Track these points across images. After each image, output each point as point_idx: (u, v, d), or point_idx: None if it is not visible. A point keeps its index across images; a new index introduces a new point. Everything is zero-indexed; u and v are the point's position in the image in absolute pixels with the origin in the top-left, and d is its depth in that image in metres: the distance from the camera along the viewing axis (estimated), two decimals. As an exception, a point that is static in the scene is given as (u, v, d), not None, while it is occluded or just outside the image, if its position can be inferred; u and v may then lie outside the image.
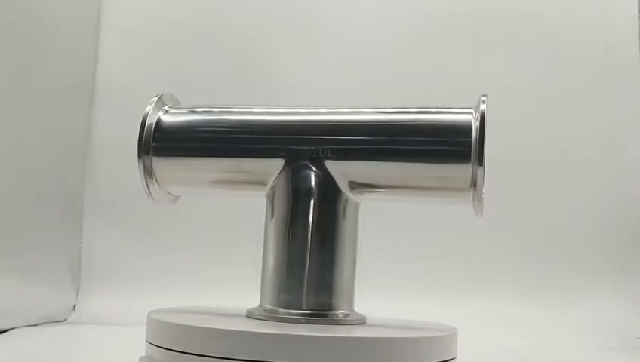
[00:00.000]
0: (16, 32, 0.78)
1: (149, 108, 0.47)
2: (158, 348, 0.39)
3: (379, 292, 0.71)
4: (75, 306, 0.90)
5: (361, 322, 0.43)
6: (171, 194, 0.50)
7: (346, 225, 0.43)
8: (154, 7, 1.00)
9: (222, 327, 0.37)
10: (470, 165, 0.41)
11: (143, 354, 0.41)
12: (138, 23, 1.00)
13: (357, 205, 0.45)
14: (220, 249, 0.92)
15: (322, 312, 0.42)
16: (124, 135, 0.98)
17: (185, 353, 0.37)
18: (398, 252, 0.91)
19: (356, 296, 0.45)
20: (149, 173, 0.47)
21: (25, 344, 0.69)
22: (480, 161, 0.41)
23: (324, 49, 0.98)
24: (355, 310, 0.44)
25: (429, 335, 0.40)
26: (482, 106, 0.43)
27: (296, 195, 0.43)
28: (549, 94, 0.96)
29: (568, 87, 0.96)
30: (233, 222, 0.92)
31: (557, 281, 0.91)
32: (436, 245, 0.93)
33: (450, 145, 0.42)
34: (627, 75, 0.95)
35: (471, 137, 0.42)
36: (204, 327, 0.37)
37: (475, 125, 0.42)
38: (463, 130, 0.42)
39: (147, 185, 0.48)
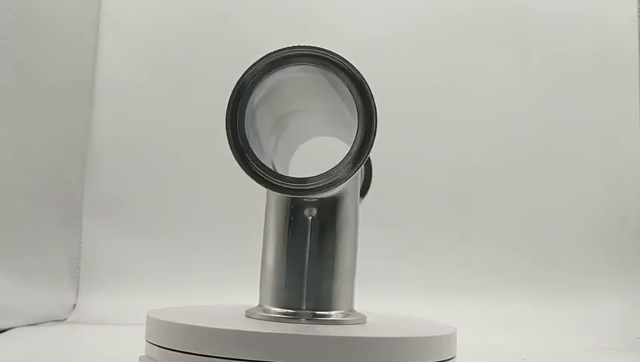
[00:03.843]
0: (16, 31, 0.78)
1: None
2: (158, 348, 0.39)
3: (379, 291, 0.71)
4: (74, 305, 0.90)
5: (361, 322, 0.43)
6: None
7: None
8: (154, 6, 1.00)
9: (221, 327, 0.37)
10: None
11: (143, 354, 0.41)
12: (138, 22, 1.00)
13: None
14: (220, 248, 0.92)
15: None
16: (125, 135, 0.99)
17: (185, 353, 0.37)
18: (398, 251, 0.91)
19: (356, 296, 0.45)
20: None
21: (25, 343, 0.68)
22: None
23: (325, 46, 0.98)
24: (355, 310, 0.44)
25: (429, 334, 0.40)
26: None
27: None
28: (548, 94, 0.96)
29: (567, 87, 0.96)
30: (233, 222, 0.92)
31: (557, 281, 0.91)
32: (436, 245, 0.93)
33: None
34: (627, 75, 0.96)
35: None
36: (204, 327, 0.37)
37: None
38: None
39: None
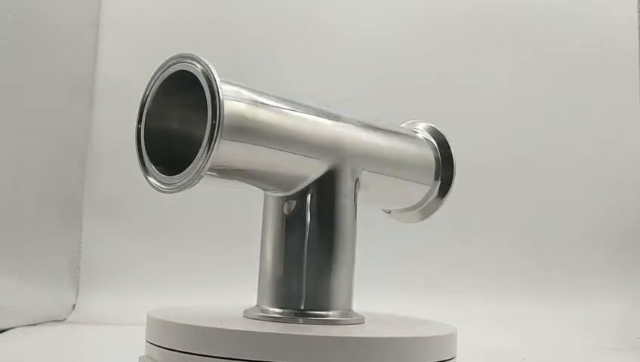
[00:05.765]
0: (16, 31, 0.78)
1: None
2: (158, 348, 0.39)
3: (378, 291, 0.71)
4: (74, 306, 0.90)
5: (359, 322, 0.43)
6: None
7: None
8: (154, 6, 1.00)
9: (220, 327, 0.37)
10: None
11: (143, 354, 0.41)
12: (138, 22, 1.00)
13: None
14: (219, 249, 0.92)
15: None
16: (124, 134, 0.99)
17: (184, 353, 0.37)
18: (398, 251, 0.91)
19: (355, 296, 0.45)
20: None
21: (25, 343, 0.69)
22: None
23: (325, 46, 0.98)
24: (354, 309, 0.44)
25: (429, 334, 0.40)
26: None
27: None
28: (548, 94, 0.96)
29: (567, 87, 0.96)
30: (232, 222, 0.92)
31: (557, 281, 0.91)
32: (437, 245, 0.93)
33: None
34: (627, 75, 0.95)
35: None
36: (203, 327, 0.37)
37: None
38: None
39: None
